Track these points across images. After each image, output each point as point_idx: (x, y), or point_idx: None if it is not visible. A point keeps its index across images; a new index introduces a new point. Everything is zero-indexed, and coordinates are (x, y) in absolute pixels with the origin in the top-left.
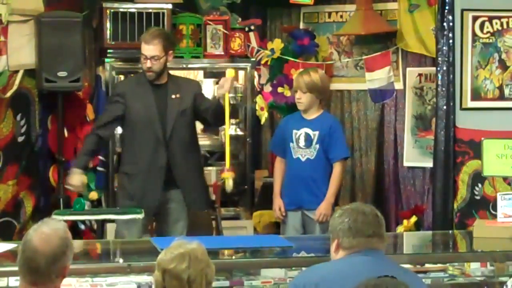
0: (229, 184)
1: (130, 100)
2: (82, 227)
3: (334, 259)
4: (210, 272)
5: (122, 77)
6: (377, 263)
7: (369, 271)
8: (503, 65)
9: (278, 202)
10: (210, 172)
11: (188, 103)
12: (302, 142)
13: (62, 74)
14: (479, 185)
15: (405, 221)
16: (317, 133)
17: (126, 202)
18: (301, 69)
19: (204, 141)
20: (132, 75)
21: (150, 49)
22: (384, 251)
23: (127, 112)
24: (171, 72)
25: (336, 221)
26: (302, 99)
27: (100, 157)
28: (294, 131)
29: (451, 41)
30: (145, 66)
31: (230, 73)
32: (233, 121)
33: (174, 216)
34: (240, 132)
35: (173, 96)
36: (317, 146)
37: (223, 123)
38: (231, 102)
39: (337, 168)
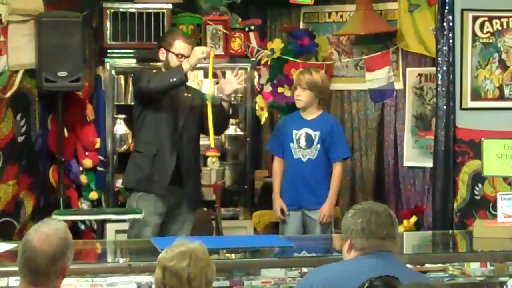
0: (214, 164)
1: None
2: (82, 227)
3: (346, 258)
4: (211, 271)
5: (122, 77)
6: (387, 266)
7: (378, 274)
8: (503, 65)
9: (278, 202)
10: (210, 172)
11: (198, 102)
12: (303, 143)
13: (62, 74)
14: (479, 185)
15: (405, 221)
16: (318, 133)
17: (139, 180)
18: (301, 69)
19: (204, 141)
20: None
21: (189, 49)
22: (396, 253)
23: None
24: None
25: (349, 221)
26: (301, 96)
27: (100, 157)
28: (294, 131)
29: (451, 41)
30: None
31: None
32: (233, 121)
33: (182, 218)
34: (240, 132)
35: (186, 94)
36: (318, 146)
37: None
38: (233, 102)
39: (337, 168)
